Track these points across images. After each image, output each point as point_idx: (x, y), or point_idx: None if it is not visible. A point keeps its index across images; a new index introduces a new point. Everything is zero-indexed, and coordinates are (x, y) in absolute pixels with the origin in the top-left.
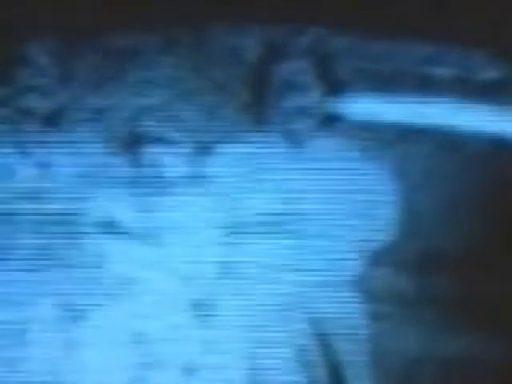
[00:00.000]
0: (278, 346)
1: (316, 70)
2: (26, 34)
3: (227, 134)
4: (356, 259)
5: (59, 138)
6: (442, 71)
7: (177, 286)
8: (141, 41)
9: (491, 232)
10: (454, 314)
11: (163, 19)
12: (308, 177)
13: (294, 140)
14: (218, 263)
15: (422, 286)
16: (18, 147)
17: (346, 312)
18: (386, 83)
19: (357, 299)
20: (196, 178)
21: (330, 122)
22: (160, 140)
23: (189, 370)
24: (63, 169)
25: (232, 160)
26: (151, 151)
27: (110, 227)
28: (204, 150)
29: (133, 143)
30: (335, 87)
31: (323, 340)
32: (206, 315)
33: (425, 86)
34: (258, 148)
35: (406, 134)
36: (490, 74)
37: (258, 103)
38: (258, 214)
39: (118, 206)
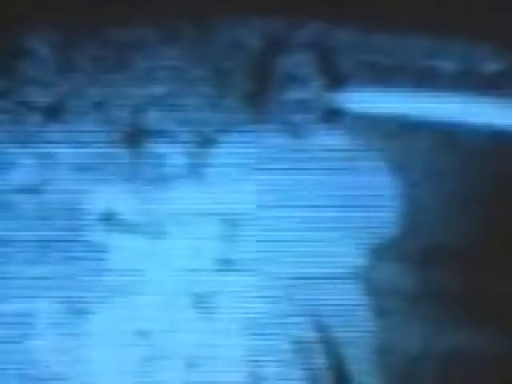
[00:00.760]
0: (279, 339)
1: (317, 62)
2: (26, 26)
3: (228, 127)
4: (358, 254)
5: (60, 129)
6: (444, 64)
7: (178, 279)
8: (142, 32)
9: (493, 227)
10: (456, 308)
11: (165, 11)
12: (309, 170)
13: (295, 133)
14: (219, 256)
15: (425, 280)
16: (19, 139)
17: (348, 307)
18: (388, 76)
19: (359, 294)
20: (197, 170)
21: (331, 115)
22: (161, 132)
23: (191, 364)
24: (64, 161)
25: (233, 152)
26: (152, 143)
27: (112, 220)
28: (205, 142)
29: (134, 135)
30: (337, 80)
31: (325, 335)
32: (208, 308)
33: (427, 80)
34: (258, 141)
35: (408, 128)
36: (493, 66)
37: (259, 96)
38: (258, 207)
39: (120, 199)
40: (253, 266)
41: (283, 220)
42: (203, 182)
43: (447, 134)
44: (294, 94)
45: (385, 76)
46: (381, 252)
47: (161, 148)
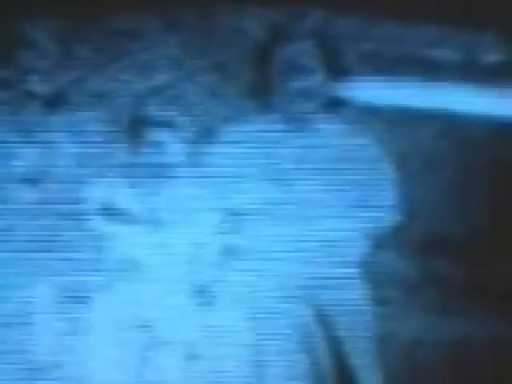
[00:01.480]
0: (280, 327)
1: (320, 52)
2: (28, 17)
3: (230, 116)
4: (359, 244)
5: (61, 120)
6: (446, 54)
7: (179, 270)
8: (144, 22)
9: (494, 216)
10: (457, 297)
11: (167, 1)
12: (310, 160)
13: (298, 122)
14: (220, 247)
15: (425, 270)
16: (20, 129)
17: (349, 296)
18: (390, 66)
19: (360, 284)
20: (198, 160)
21: (334, 104)
22: (162, 123)
23: (192, 353)
24: (65, 151)
25: (235, 143)
26: (154, 134)
27: (112, 209)
28: (207, 131)
29: (135, 126)
30: (339, 70)
31: (327, 325)
32: (208, 299)
33: (429, 70)
34: (260, 130)
35: (410, 118)
36: (495, 57)
37: (261, 85)
38: (260, 198)
39: (120, 190)
40: (254, 256)
41: (284, 209)
42: (204, 171)
43: (449, 124)
44: (297, 83)
45: (387, 66)
46: (382, 241)
47: (162, 138)
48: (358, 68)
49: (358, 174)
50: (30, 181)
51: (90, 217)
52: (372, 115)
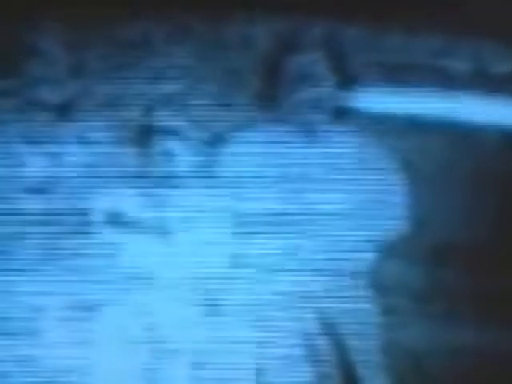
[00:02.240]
0: (286, 340)
1: (328, 61)
2: (36, 25)
3: (239, 126)
4: (367, 252)
5: (69, 129)
6: (455, 64)
7: (187, 280)
8: (153, 31)
9: (503, 226)
10: (464, 306)
11: (176, 9)
12: (320, 169)
13: (306, 132)
14: (229, 257)
15: (433, 278)
16: (29, 138)
17: (356, 306)
18: (399, 75)
19: (367, 293)
20: (207, 170)
21: (343, 114)
22: (171, 131)
23: (200, 363)
24: (73, 160)
25: (243, 152)
26: (162, 142)
27: (120, 220)
28: (215, 141)
29: (144, 134)
30: (348, 79)
31: (333, 335)
32: (217, 309)
33: (438, 79)
34: (269, 140)
35: (419, 127)
36: (505, 66)
37: (270, 95)
38: (269, 208)
39: (129, 199)
40: (263, 268)
41: (293, 218)
42: (214, 181)
43: (458, 134)
44: (305, 93)
45: (396, 75)
46: (389, 250)
47: (171, 147)
48: (367, 77)
49: (367, 183)
50: (38, 190)
51: (99, 226)
52: (381, 124)
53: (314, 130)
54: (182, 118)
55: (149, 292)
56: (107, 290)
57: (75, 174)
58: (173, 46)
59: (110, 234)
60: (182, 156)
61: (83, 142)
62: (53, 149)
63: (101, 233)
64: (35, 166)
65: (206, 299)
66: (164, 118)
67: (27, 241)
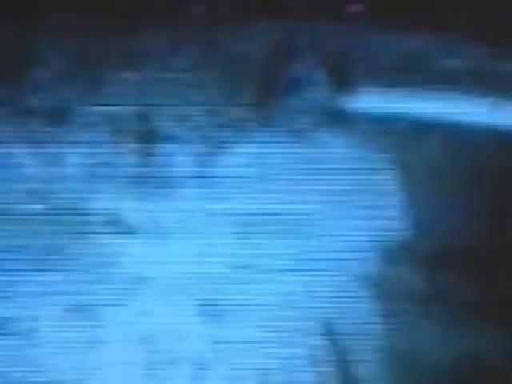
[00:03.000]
0: (288, 344)
1: (325, 66)
2: (33, 31)
3: (236, 132)
4: (368, 258)
5: (67, 136)
6: (453, 65)
7: (186, 284)
8: (150, 38)
9: (505, 229)
10: (467, 311)
11: (174, 17)
12: (316, 175)
13: (303, 137)
14: (227, 261)
15: (435, 283)
16: (25, 146)
17: (358, 311)
18: (396, 78)
19: (369, 298)
20: (205, 175)
21: (339, 117)
22: (168, 138)
23: (200, 369)
24: (71, 165)
25: (241, 158)
26: (160, 149)
27: (119, 226)
28: (213, 148)
29: (141, 141)
30: (344, 83)
31: (335, 339)
32: (216, 313)
33: (437, 80)
34: (266, 146)
35: (416, 129)
36: (502, 67)
37: (267, 101)
38: (267, 213)
39: (127, 205)
40: (261, 272)
41: (291, 223)
42: (212, 186)
43: (457, 135)
44: (301, 97)
45: (393, 77)
46: (391, 255)
47: (168, 155)
48: (364, 80)
49: (365, 186)
50: (36, 194)
51: (97, 229)
52: (378, 127)
53: (310, 134)
54: (180, 121)
55: (148, 294)
56: (106, 291)
57: (73, 178)
58: (170, 51)
59: (108, 237)
60: (179, 164)
61: (81, 147)
62: (50, 154)
63: (99, 236)
64: (32, 171)
65: (206, 301)
66: (162, 122)
67: (24, 247)
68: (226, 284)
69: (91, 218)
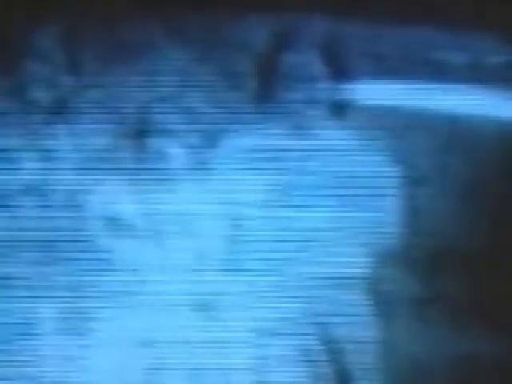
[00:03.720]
0: (285, 347)
1: (324, 58)
2: (31, 24)
3: (234, 125)
4: (364, 259)
5: (64, 128)
6: (452, 56)
7: (182, 282)
8: (148, 31)
9: (505, 230)
10: (464, 313)
11: (172, 8)
12: (317, 167)
13: (303, 129)
14: (225, 257)
15: (432, 285)
16: (23, 138)
17: (354, 313)
18: (395, 70)
19: (365, 300)
20: (202, 170)
21: (340, 109)
22: (166, 131)
23: (197, 372)
24: (68, 160)
25: (238, 152)
26: (157, 142)
27: (115, 221)
28: (210, 141)
29: (139, 134)
30: (344, 75)
31: (331, 342)
32: (213, 313)
33: (435, 72)
34: (265, 139)
35: (416, 122)
36: (501, 59)
37: (266, 93)
38: (264, 206)
39: (123, 199)
40: (258, 268)
41: (288, 220)
42: (208, 181)
43: (456, 128)
44: (301, 90)
45: (392, 69)
46: (388, 256)
47: (165, 147)
48: (363, 72)
49: (364, 184)
50: (32, 189)
51: (93, 227)
52: (379, 119)
53: (310, 127)
54: (178, 117)
55: (144, 296)
56: (102, 294)
57: (70, 173)
58: (169, 46)
59: (104, 235)
60: (177, 156)
61: (78, 141)
62: (47, 147)
63: (96, 234)
64: (29, 165)
65: (201, 302)
66: (159, 118)
67: (21, 243)
68: (222, 283)
69: (87, 214)
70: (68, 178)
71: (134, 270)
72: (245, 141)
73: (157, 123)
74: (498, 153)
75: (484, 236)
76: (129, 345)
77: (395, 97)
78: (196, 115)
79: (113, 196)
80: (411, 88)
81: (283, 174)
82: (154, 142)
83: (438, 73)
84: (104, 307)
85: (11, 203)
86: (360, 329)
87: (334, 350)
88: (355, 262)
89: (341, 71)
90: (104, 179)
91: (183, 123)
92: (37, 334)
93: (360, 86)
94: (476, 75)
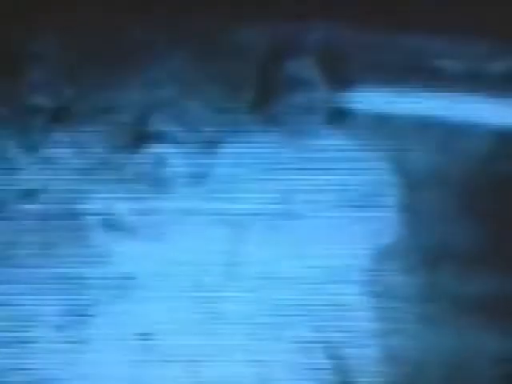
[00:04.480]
0: (284, 342)
1: (324, 65)
2: (33, 30)
3: (233, 132)
4: (363, 258)
5: (64, 134)
6: (451, 64)
7: (180, 285)
8: (147, 37)
9: (502, 228)
10: (463, 310)
11: (173, 15)
12: (314, 175)
13: (302, 137)
14: (221, 260)
15: (432, 284)
16: (24, 144)
17: (354, 315)
18: (395, 77)
19: (365, 301)
20: (201, 174)
21: (338, 116)
22: (165, 137)
23: (193, 366)
24: (68, 164)
25: (237, 157)
26: (156, 148)
27: (113, 225)
28: (209, 147)
29: (138, 140)
30: (343, 82)
31: (331, 343)
32: (210, 314)
33: (434, 79)
34: (264, 145)
35: (415, 127)
36: (501, 66)
37: (264, 99)
38: (262, 212)
39: (122, 203)
40: (254, 271)
41: (288, 223)
42: (207, 184)
43: (453, 134)
44: (300, 96)
45: (392, 77)
46: (387, 255)
47: (165, 151)
48: (362, 79)
49: (362, 186)
50: (32, 194)
51: (91, 231)
52: (377, 126)
53: (308, 133)
54: (176, 122)
55: (141, 297)
56: (100, 294)
57: (68, 178)
58: (167, 53)
59: (103, 238)
60: (175, 161)
61: (77, 146)
62: (47, 153)
63: (94, 236)
64: (28, 170)
65: (198, 304)
66: (158, 124)
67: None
68: (220, 285)
69: (86, 217)
70: (67, 182)
71: (132, 269)
72: (243, 146)
73: (155, 129)
74: (496, 156)
75: (484, 235)
76: (127, 340)
77: (393, 104)
78: (195, 122)
79: (111, 202)
80: (409, 96)
81: (281, 182)
82: (153, 148)
83: (436, 80)
84: (100, 303)
85: (12, 207)
86: (361, 330)
87: (336, 352)
88: (356, 262)
89: (339, 79)
90: (103, 184)
91: (182, 131)
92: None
93: (358, 94)
94: (474, 83)
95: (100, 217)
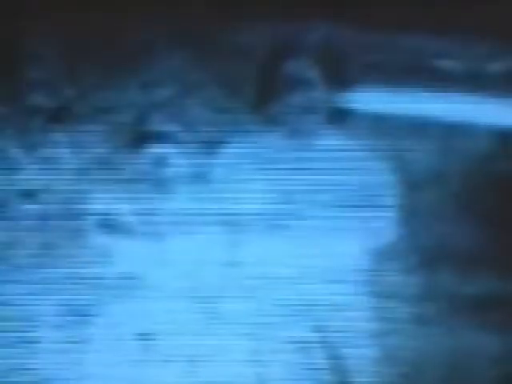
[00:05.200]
0: (283, 342)
1: (324, 65)
2: (32, 30)
3: (233, 132)
4: (362, 258)
5: (64, 134)
6: (451, 64)
7: (180, 285)
8: (147, 38)
9: (501, 228)
10: (460, 310)
11: (173, 15)
12: (314, 171)
13: (301, 137)
14: (220, 260)
15: (431, 283)
16: (24, 144)
17: (353, 314)
18: (395, 77)
19: (365, 300)
20: (201, 173)
21: (338, 116)
22: (165, 137)
23: (193, 366)
24: (68, 164)
25: (237, 157)
26: (156, 148)
27: (113, 225)
28: (209, 147)
29: (138, 140)
30: (343, 82)
31: (331, 343)
32: (210, 313)
33: (434, 80)
34: (264, 145)
35: (414, 128)
36: (501, 67)
37: (264, 99)
38: (262, 212)
39: (122, 204)
40: (255, 271)
41: (287, 221)
42: (207, 184)
43: (453, 135)
44: (300, 96)
45: (391, 77)
46: (386, 255)
47: (165, 151)
48: (362, 79)
49: (361, 188)
50: (32, 194)
51: (92, 231)
52: (376, 126)
53: (308, 133)
54: (176, 123)
55: (141, 297)
56: (100, 295)
57: (68, 179)
58: (167, 53)
59: (103, 238)
60: (176, 161)
61: (77, 146)
62: (46, 153)
63: (94, 237)
64: (28, 170)
65: (198, 304)
66: (158, 124)
67: (21, 245)
68: (220, 285)
69: (86, 219)
70: (67, 182)
71: (132, 269)
72: (243, 146)
73: (155, 129)
74: (496, 157)
75: (484, 234)
76: (126, 340)
77: (393, 104)
78: (195, 122)
79: (111, 202)
80: (409, 95)
81: (283, 177)
82: (153, 148)
83: (437, 80)
84: (100, 303)
85: (10, 208)
86: (360, 330)
87: (334, 352)
88: (355, 262)
89: (339, 79)
90: (103, 184)
91: (182, 131)
92: (36, 333)
93: (358, 94)
94: (474, 83)
95: (100, 217)
